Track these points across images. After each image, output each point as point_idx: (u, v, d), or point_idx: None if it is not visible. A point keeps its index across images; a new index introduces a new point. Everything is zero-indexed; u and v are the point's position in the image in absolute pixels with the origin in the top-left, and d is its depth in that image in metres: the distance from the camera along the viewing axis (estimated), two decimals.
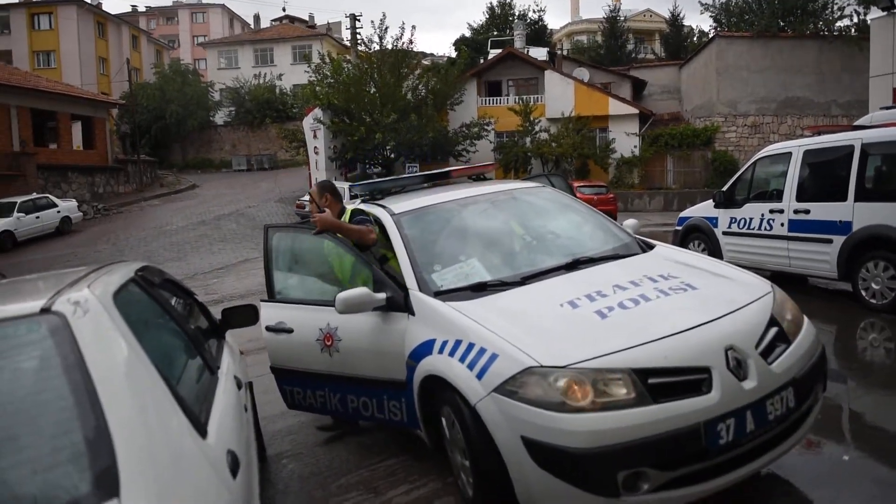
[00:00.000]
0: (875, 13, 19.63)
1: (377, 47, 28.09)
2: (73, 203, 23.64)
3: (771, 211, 7.64)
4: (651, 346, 2.65)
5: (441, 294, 3.35)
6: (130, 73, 34.90)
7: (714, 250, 8.62)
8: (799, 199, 7.29)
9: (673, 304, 2.97)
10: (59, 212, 21.86)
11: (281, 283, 4.34)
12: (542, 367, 2.61)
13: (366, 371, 3.71)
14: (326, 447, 4.23)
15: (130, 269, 2.54)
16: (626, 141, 27.58)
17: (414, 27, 50.79)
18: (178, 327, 2.54)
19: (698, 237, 8.98)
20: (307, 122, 27.16)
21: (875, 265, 6.46)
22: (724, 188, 8.55)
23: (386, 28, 28.80)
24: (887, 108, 8.38)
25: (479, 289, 3.33)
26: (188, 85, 42.01)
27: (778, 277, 7.85)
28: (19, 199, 20.75)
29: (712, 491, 2.62)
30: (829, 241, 6.86)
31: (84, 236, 21.38)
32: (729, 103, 26.78)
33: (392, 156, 27.40)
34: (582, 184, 21.91)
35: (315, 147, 26.73)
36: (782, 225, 7.47)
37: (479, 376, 2.78)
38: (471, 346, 2.90)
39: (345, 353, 3.78)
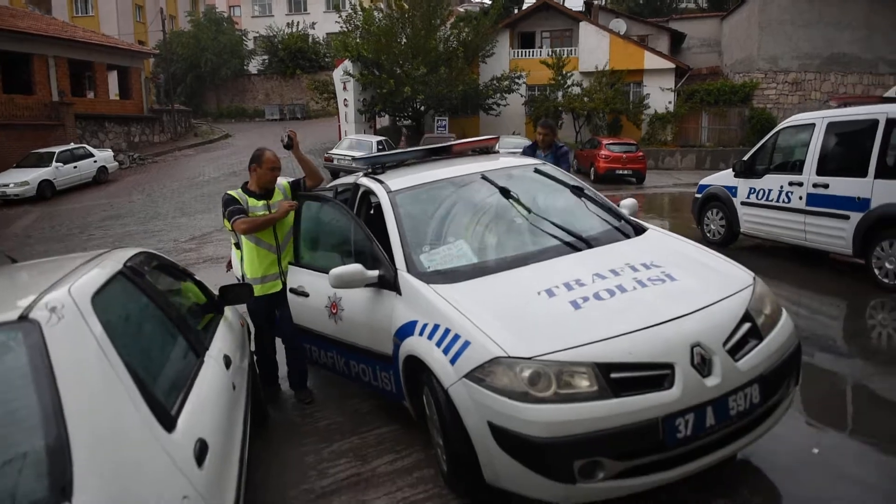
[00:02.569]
0: None
1: None
2: (110, 153, 24.14)
3: (790, 183, 7.51)
4: (617, 341, 2.73)
5: (427, 276, 3.45)
6: (164, 22, 34.95)
7: (732, 220, 8.54)
8: (819, 172, 7.14)
9: (647, 297, 3.02)
10: (95, 161, 22.36)
11: (303, 248, 4.69)
12: (508, 357, 2.72)
13: (362, 341, 3.91)
14: (323, 412, 4.43)
15: (120, 259, 2.70)
16: (660, 96, 26.94)
17: None
18: (164, 316, 2.70)
19: (717, 206, 8.88)
20: (337, 74, 27.08)
21: (890, 244, 6.35)
22: (745, 157, 8.39)
23: None
24: None
25: (465, 272, 3.42)
26: (222, 33, 42.06)
27: (796, 251, 7.79)
28: (58, 150, 21.26)
29: (669, 481, 2.72)
30: (846, 218, 6.74)
31: (119, 186, 21.91)
32: (770, 59, 25.83)
33: (422, 109, 27.23)
34: (610, 141, 21.58)
35: (345, 99, 26.70)
36: (800, 198, 7.34)
37: (452, 361, 2.91)
38: (447, 331, 3.02)
39: (346, 321, 4.00)
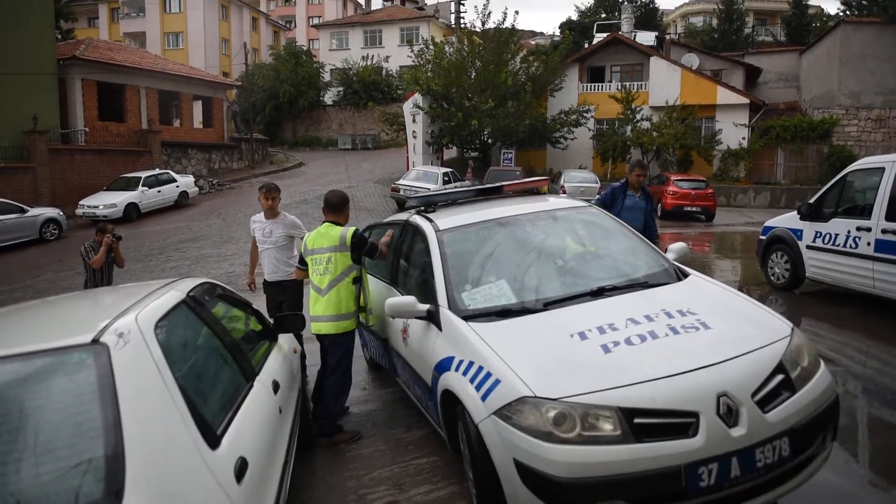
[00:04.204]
0: None
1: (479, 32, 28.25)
2: (191, 178, 25.55)
3: (858, 228, 7.27)
4: (642, 387, 2.79)
5: (467, 313, 3.60)
6: (247, 56, 36.93)
7: (797, 264, 8.31)
8: (889, 218, 6.90)
9: (679, 344, 3.07)
10: (177, 186, 23.71)
11: (398, 273, 4.95)
12: (535, 397, 2.82)
13: (417, 368, 4.10)
14: (369, 440, 4.61)
15: (184, 289, 2.99)
16: (733, 132, 26.35)
17: (517, 12, 50.66)
18: (219, 342, 2.95)
19: (781, 248, 8.66)
20: (407, 107, 27.82)
21: None
22: (812, 200, 8.18)
23: (489, 13, 28.86)
24: None
25: (503, 312, 3.55)
26: (301, 66, 43.91)
27: (865, 298, 7.51)
28: (144, 174, 22.71)
29: None
30: None
31: (198, 210, 23.11)
32: (851, 94, 24.93)
33: (489, 141, 27.59)
34: (679, 177, 21.23)
35: (413, 131, 27.37)
36: (869, 244, 7.10)
37: (484, 398, 3.03)
38: (480, 368, 3.15)
39: (410, 347, 4.21)
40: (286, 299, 5.65)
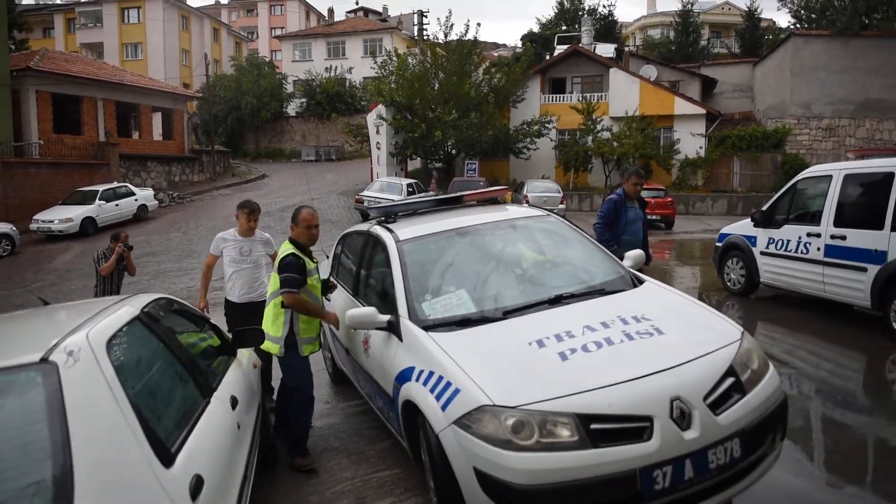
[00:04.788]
0: None
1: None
2: (150, 192, 25.05)
3: (808, 234, 7.51)
4: (598, 393, 2.84)
5: (426, 323, 3.61)
6: (208, 67, 36.52)
7: (752, 270, 8.53)
8: (837, 224, 7.14)
9: (634, 350, 3.13)
10: (136, 200, 23.22)
11: (359, 283, 4.91)
12: (494, 405, 2.85)
13: (379, 379, 4.08)
14: (331, 453, 4.57)
15: (139, 305, 2.94)
16: (691, 141, 26.99)
17: (479, 24, 51.32)
18: (174, 358, 2.91)
19: (737, 255, 8.89)
20: (371, 118, 27.83)
21: None
22: (764, 207, 8.43)
23: (451, 25, 29.11)
24: None
25: (463, 322, 3.57)
26: (263, 77, 43.56)
27: (816, 301, 7.74)
28: (101, 188, 22.19)
29: None
30: (864, 270, 6.71)
31: (158, 223, 22.67)
32: (803, 104, 25.76)
33: (452, 152, 27.73)
34: None
35: (377, 143, 27.38)
36: (819, 249, 7.33)
37: (444, 408, 3.04)
38: (440, 378, 3.16)
39: (371, 358, 4.18)
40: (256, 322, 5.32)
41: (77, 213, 20.67)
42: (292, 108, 46.35)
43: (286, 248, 4.31)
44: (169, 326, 3.14)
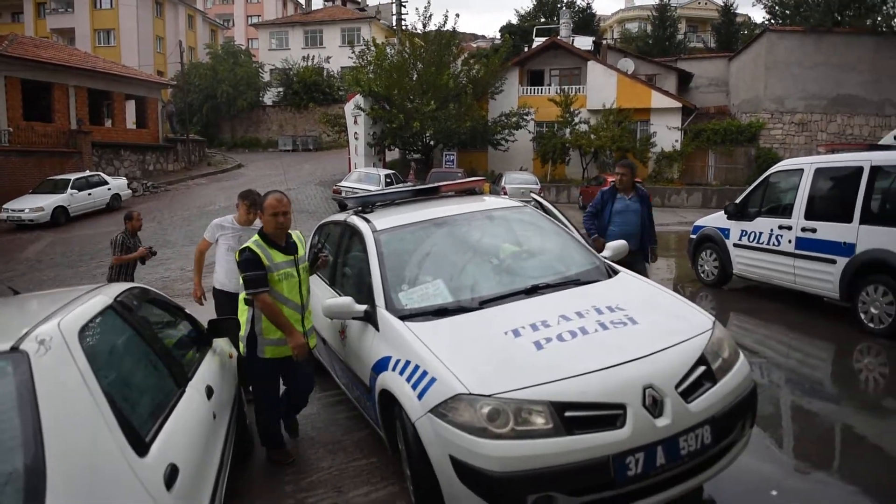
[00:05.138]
0: None
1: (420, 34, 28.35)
2: (123, 181, 24.66)
3: (780, 227, 7.65)
4: (573, 381, 2.87)
5: (403, 313, 3.62)
6: (183, 54, 35.95)
7: (725, 261, 8.66)
8: (807, 217, 7.28)
9: (607, 339, 3.17)
10: (109, 189, 22.85)
11: (336, 273, 4.89)
12: (470, 394, 2.87)
13: (355, 368, 4.09)
14: (307, 442, 4.57)
15: (112, 294, 2.90)
16: (667, 134, 27.23)
17: (458, 15, 51.07)
18: (148, 347, 2.88)
19: (710, 247, 9.02)
20: (348, 108, 27.65)
21: (875, 289, 6.45)
22: (737, 200, 8.56)
23: (430, 16, 28.97)
24: None
25: (439, 311, 3.59)
26: (239, 65, 43.00)
27: (787, 293, 7.89)
28: (73, 177, 21.79)
29: None
30: (833, 262, 6.86)
31: None
32: (776, 99, 26.11)
33: (431, 143, 27.67)
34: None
35: (355, 133, 27.21)
36: (790, 241, 7.48)
37: (420, 396, 3.06)
38: (416, 367, 3.18)
39: (347, 347, 4.19)
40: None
41: (48, 202, 20.29)
42: (269, 98, 45.85)
43: (249, 243, 3.93)
44: (143, 316, 3.12)
